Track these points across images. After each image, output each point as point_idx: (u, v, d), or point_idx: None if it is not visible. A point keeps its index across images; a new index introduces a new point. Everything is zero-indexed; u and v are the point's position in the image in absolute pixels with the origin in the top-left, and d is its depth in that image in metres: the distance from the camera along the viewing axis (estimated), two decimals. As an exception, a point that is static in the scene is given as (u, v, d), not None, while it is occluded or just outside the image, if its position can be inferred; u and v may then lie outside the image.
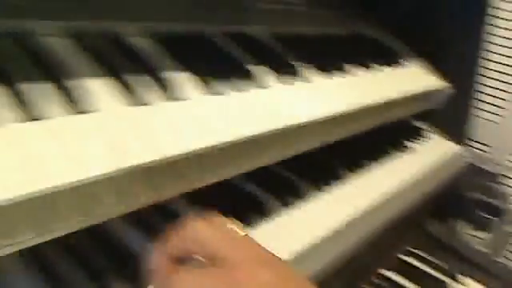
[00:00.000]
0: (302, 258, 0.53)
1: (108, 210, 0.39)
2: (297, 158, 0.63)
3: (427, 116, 1.08)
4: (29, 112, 0.36)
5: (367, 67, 0.79)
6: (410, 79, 0.87)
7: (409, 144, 0.95)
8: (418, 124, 1.08)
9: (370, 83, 0.76)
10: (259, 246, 0.38)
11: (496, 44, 1.17)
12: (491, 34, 1.02)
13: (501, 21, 1.16)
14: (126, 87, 0.44)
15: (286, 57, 0.68)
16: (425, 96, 0.90)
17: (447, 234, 1.15)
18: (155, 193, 0.43)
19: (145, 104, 0.44)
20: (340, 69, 0.72)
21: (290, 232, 0.57)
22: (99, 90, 0.43)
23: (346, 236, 0.64)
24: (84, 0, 0.53)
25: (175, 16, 0.62)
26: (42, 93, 0.39)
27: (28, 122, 0.35)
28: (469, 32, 0.98)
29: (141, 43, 0.54)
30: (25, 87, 0.38)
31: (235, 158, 0.50)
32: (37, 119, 0.36)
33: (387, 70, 0.84)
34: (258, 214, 0.57)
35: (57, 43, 0.47)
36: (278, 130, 0.52)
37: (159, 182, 0.42)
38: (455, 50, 0.99)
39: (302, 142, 0.61)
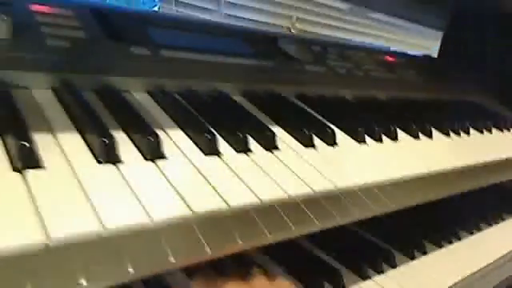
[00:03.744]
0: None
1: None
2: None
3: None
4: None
5: (479, 130, 0.87)
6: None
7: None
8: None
9: (481, 144, 0.83)
10: None
11: None
12: None
13: None
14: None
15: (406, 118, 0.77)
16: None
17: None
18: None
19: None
20: (454, 131, 0.81)
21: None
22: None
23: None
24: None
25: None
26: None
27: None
28: None
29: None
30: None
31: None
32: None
33: (496, 132, 0.93)
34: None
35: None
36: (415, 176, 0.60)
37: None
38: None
39: (423, 192, 0.67)
